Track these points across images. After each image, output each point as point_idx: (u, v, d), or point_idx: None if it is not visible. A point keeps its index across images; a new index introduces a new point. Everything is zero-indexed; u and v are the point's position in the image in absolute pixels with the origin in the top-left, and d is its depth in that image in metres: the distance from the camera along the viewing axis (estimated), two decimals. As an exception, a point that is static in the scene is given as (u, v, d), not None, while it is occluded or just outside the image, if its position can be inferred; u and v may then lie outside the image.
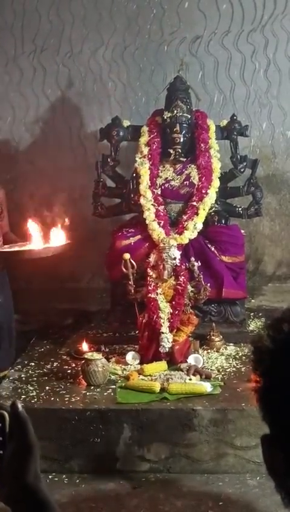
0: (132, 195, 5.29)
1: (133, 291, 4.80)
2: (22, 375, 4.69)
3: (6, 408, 1.28)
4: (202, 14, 6.12)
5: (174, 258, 4.79)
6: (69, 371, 4.74)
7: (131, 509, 3.87)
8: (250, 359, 1.20)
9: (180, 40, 6.15)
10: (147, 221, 5.13)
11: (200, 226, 5.14)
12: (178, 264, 4.81)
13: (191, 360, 4.70)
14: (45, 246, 4.74)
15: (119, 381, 4.54)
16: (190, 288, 4.80)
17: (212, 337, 5.02)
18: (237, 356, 4.93)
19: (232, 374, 4.66)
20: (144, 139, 5.37)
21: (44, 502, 1.27)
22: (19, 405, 1.29)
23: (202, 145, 5.32)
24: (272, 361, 1.15)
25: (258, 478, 4.09)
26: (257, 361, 1.18)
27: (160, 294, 4.76)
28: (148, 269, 4.81)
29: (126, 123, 5.54)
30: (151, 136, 5.36)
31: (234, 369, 4.73)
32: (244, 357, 4.90)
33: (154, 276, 4.79)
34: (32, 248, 4.72)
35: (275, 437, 1.16)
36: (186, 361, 4.68)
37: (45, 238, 4.81)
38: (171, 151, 5.25)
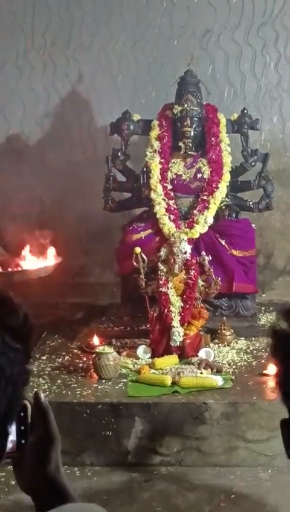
0: (143, 190, 5.29)
1: (144, 285, 4.80)
2: (34, 369, 4.69)
3: (28, 398, 1.29)
4: (212, 8, 6.11)
5: (185, 252, 4.79)
6: (80, 365, 4.75)
7: (143, 502, 3.87)
8: (268, 345, 1.21)
9: (190, 34, 6.15)
10: (158, 216, 5.13)
11: (210, 220, 5.13)
12: (189, 258, 4.81)
13: (202, 353, 4.70)
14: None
15: (131, 374, 4.55)
16: (200, 282, 4.80)
17: (223, 331, 5.01)
18: (248, 350, 4.93)
19: (243, 367, 4.66)
20: (154, 133, 5.36)
21: (64, 491, 1.29)
22: (42, 395, 1.30)
23: (212, 139, 5.32)
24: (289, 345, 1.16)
25: (269, 471, 4.09)
26: (276, 346, 1.19)
27: (171, 288, 4.77)
28: (159, 263, 4.81)
29: (136, 117, 5.53)
30: (162, 130, 5.35)
31: (245, 363, 4.73)
32: (255, 351, 4.90)
33: (165, 270, 4.79)
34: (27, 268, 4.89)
35: None
36: (197, 355, 4.68)
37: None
38: (182, 144, 5.25)
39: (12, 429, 1.27)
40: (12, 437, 1.28)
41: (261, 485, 3.98)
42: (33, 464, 1.29)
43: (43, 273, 5.10)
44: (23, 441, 1.28)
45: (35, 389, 4.25)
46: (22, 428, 1.28)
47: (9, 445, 1.28)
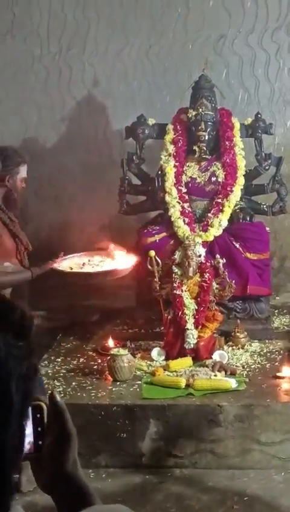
0: (158, 193, 5.33)
1: (158, 288, 4.84)
2: (49, 371, 4.74)
3: (44, 399, 1.32)
4: (227, 13, 6.13)
5: (199, 255, 4.82)
6: (95, 367, 4.79)
7: (157, 503, 3.91)
8: (286, 348, 1.24)
9: (204, 38, 6.17)
10: (173, 219, 5.16)
11: (225, 223, 5.16)
12: (203, 261, 4.84)
13: (216, 356, 4.73)
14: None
15: (145, 377, 4.59)
16: (214, 285, 4.83)
17: (237, 333, 5.04)
18: (262, 353, 4.96)
19: (257, 370, 4.68)
20: (169, 137, 5.40)
21: (83, 489, 1.31)
22: (57, 396, 1.33)
23: (226, 142, 5.35)
24: None
25: (283, 474, 4.12)
26: None
27: (185, 291, 4.80)
28: (174, 266, 4.84)
29: (151, 121, 5.57)
30: (177, 134, 5.39)
31: (258, 365, 4.75)
32: (269, 354, 4.93)
33: (179, 273, 4.83)
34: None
35: None
36: (211, 358, 4.71)
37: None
38: (196, 148, 5.29)
39: (29, 431, 1.31)
40: (29, 438, 1.31)
41: (274, 488, 4.01)
42: (51, 463, 1.32)
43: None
44: (40, 442, 1.31)
45: (49, 391, 4.31)
46: (39, 429, 1.31)
47: (27, 446, 1.31)
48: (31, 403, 1.31)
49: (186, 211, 5.22)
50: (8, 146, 4.62)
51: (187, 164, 5.39)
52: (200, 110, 5.29)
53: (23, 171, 4.50)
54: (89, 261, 4.77)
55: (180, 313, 4.74)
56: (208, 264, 4.85)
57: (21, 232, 4.50)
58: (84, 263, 4.71)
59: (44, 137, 6.43)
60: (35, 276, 4.24)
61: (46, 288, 5.37)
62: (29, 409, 1.29)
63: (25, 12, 6.28)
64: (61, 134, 6.42)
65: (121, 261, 4.79)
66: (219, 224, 5.14)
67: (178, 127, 5.43)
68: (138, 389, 4.43)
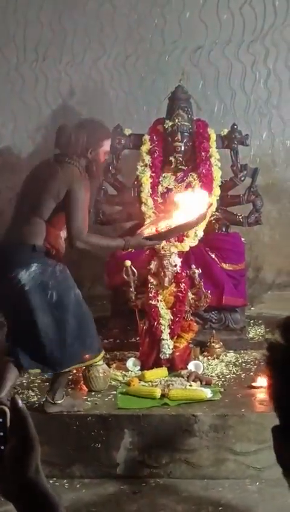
0: (134, 203, 5.34)
1: (134, 298, 4.83)
2: (24, 381, 4.70)
3: (6, 403, 1.30)
4: (203, 24, 6.18)
5: (175, 265, 4.82)
6: (70, 377, 4.74)
7: (131, 514, 3.89)
8: (263, 357, 1.25)
9: (181, 49, 6.21)
10: (148, 229, 5.16)
11: (200, 234, 5.18)
12: (179, 271, 4.84)
13: (191, 366, 4.73)
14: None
15: (120, 387, 4.57)
16: (190, 295, 4.83)
17: (213, 344, 5.05)
18: (237, 363, 4.97)
19: (232, 380, 4.69)
20: (145, 147, 5.42)
21: (45, 496, 1.30)
22: (19, 400, 1.31)
23: (202, 153, 5.38)
24: (284, 358, 1.20)
25: (257, 484, 4.11)
26: (270, 357, 1.23)
27: (161, 301, 4.80)
28: (149, 276, 4.84)
29: (128, 131, 5.59)
30: (153, 144, 5.41)
31: (233, 375, 4.77)
32: (244, 364, 4.94)
33: (155, 283, 4.83)
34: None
35: (285, 428, 1.21)
36: (186, 368, 4.71)
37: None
38: (172, 159, 5.31)
39: None
40: None
41: (249, 497, 4.00)
42: (13, 469, 1.29)
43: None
44: (2, 447, 1.30)
45: (24, 402, 4.27)
46: (1, 434, 1.29)
47: None
48: None
49: (162, 221, 5.23)
50: (95, 119, 4.61)
51: (163, 175, 5.40)
52: (177, 120, 5.32)
53: (106, 145, 4.48)
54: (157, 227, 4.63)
55: (155, 323, 4.74)
56: (183, 274, 4.85)
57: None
58: (156, 229, 4.61)
59: (19, 146, 6.42)
60: (128, 246, 4.33)
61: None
62: None
63: (2, 21, 6.27)
64: (36, 143, 6.40)
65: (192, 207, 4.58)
66: (195, 234, 5.16)
67: (154, 137, 5.45)
68: (113, 399, 4.41)
